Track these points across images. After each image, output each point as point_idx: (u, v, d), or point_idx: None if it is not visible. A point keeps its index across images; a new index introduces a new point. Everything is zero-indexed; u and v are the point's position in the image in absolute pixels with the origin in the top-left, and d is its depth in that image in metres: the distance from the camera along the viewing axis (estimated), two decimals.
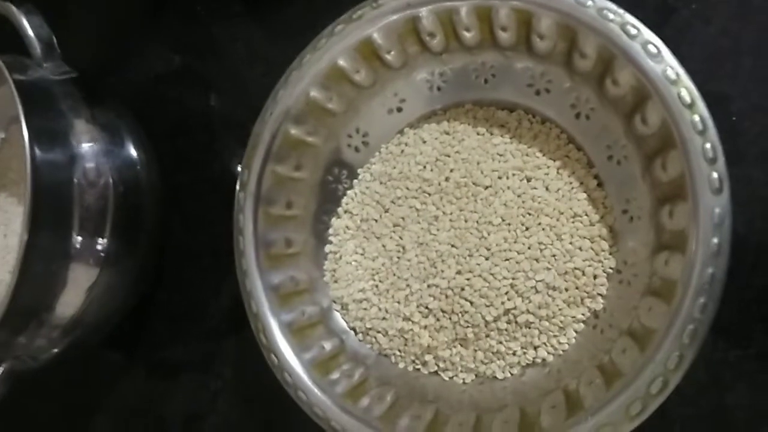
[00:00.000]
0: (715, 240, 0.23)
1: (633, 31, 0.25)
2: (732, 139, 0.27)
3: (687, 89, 0.25)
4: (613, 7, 0.26)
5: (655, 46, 0.25)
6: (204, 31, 0.39)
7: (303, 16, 0.36)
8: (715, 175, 0.24)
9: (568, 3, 0.26)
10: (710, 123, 0.24)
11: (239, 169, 0.32)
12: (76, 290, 0.33)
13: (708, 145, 0.24)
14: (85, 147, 0.34)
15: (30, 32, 0.34)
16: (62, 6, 0.41)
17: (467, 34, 0.29)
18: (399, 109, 0.33)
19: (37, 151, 0.31)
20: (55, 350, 0.35)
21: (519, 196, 0.30)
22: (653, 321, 0.25)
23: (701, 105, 0.24)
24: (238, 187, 0.31)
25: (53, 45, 0.35)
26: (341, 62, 0.30)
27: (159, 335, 0.39)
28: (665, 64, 0.25)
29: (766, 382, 0.28)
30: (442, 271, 0.30)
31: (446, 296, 0.30)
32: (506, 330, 0.29)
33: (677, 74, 0.25)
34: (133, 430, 0.39)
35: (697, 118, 0.24)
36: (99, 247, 0.34)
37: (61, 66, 0.35)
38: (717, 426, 0.28)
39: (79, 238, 0.33)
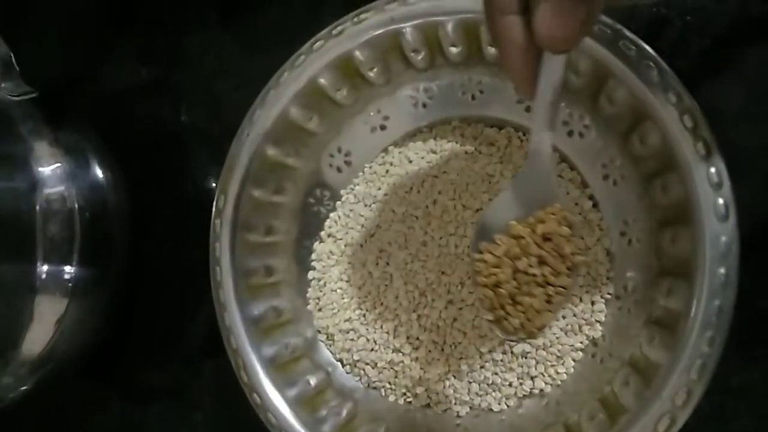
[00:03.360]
0: (722, 270, 0.22)
1: (629, 49, 0.24)
2: (727, 154, 0.26)
3: (689, 110, 0.23)
4: (609, 21, 0.25)
5: (654, 64, 0.24)
6: (173, 41, 0.37)
7: (277, 27, 0.34)
8: (720, 201, 0.23)
9: None
10: (714, 146, 0.23)
11: (213, 185, 0.30)
12: (44, 324, 0.31)
13: (713, 170, 0.23)
14: (48, 172, 0.32)
15: None
16: (21, 19, 0.39)
17: (454, 50, 0.28)
18: (383, 127, 0.31)
19: None
20: (24, 388, 0.33)
21: None
22: (657, 354, 0.24)
23: (704, 127, 0.23)
24: (213, 214, 0.29)
25: (12, 64, 0.32)
26: (321, 80, 0.29)
27: (134, 364, 0.37)
28: (665, 84, 0.24)
29: None
30: (433, 301, 0.28)
31: (438, 327, 0.28)
32: (502, 361, 0.28)
33: (678, 94, 0.23)
34: None
35: (700, 142, 0.23)
36: (66, 277, 0.32)
37: (21, 86, 0.33)
38: None
39: (45, 269, 0.31)
